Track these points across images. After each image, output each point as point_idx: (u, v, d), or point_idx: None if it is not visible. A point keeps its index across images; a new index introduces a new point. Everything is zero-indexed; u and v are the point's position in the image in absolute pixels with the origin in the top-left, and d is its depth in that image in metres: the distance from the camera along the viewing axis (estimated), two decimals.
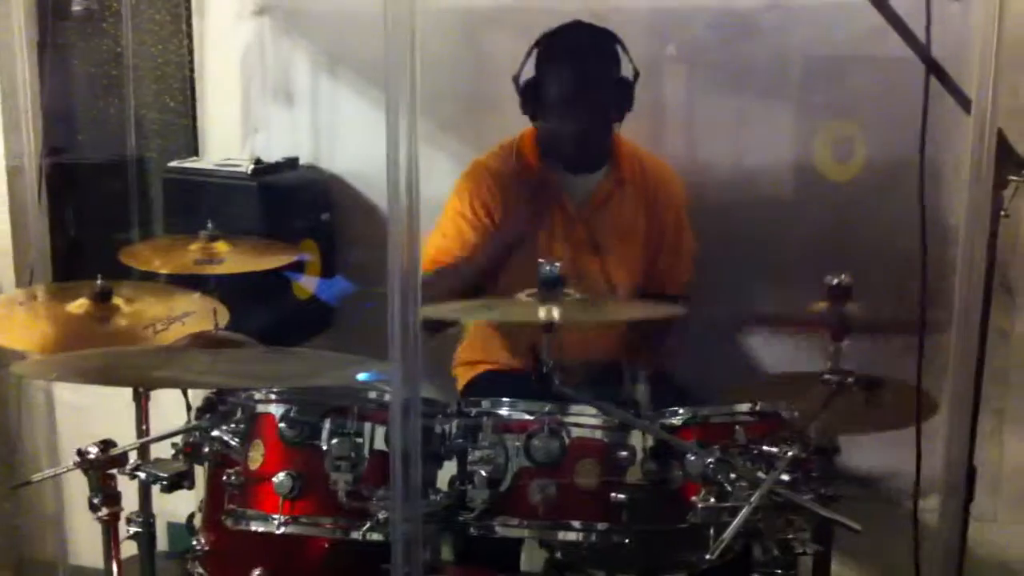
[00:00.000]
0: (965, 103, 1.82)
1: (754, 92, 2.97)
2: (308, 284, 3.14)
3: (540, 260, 2.06)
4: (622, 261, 2.78)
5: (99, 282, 2.41)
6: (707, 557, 1.82)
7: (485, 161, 2.82)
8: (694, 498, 1.93)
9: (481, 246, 2.72)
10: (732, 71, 2.97)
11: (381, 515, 1.95)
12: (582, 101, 2.65)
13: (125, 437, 2.30)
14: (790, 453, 1.88)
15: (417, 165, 1.52)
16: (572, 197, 2.77)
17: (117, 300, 2.43)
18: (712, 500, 1.89)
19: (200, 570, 2.20)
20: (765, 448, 1.93)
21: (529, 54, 2.69)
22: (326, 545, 2.13)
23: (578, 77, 2.65)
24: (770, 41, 2.92)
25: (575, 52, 2.68)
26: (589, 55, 2.67)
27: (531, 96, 2.69)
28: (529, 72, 2.70)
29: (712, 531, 1.89)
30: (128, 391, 2.48)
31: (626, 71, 2.69)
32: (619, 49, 2.67)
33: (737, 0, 2.91)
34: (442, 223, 2.77)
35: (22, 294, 2.96)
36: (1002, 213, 1.80)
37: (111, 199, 3.43)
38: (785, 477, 1.85)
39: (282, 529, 2.01)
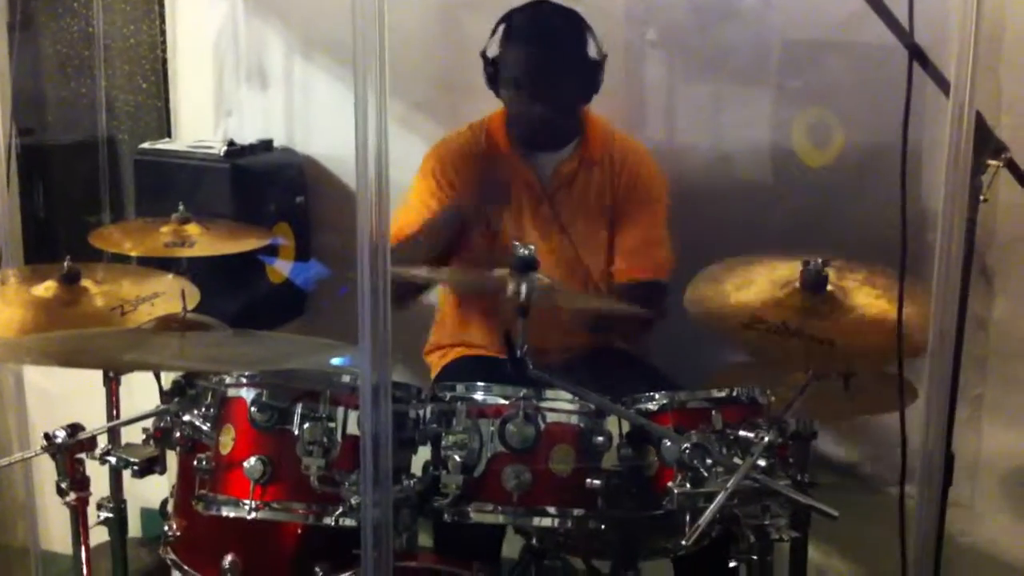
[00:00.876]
0: (946, 88, 1.81)
1: (733, 76, 2.95)
2: (282, 268, 3.11)
3: (515, 242, 2.04)
4: (590, 239, 2.76)
5: (67, 264, 2.37)
6: (683, 543, 1.80)
7: (451, 139, 2.82)
8: (670, 484, 1.92)
9: (441, 217, 2.71)
10: (711, 55, 2.95)
11: (354, 500, 1.92)
12: (542, 80, 2.63)
13: (97, 422, 2.28)
14: (766, 438, 1.87)
15: (387, 146, 1.50)
16: (539, 175, 2.75)
17: (86, 282, 2.40)
18: (688, 486, 1.88)
19: (172, 556, 2.18)
20: (741, 433, 1.92)
21: (495, 30, 2.67)
22: (298, 531, 2.11)
23: (539, 56, 2.64)
24: (749, 25, 2.90)
25: (538, 30, 2.67)
26: (552, 34, 2.66)
27: (494, 72, 2.69)
28: (496, 48, 2.68)
29: (688, 517, 1.87)
30: (100, 375, 2.46)
31: (593, 53, 2.66)
32: (585, 30, 2.65)
33: None
34: (407, 197, 2.77)
35: None
36: (981, 198, 1.79)
37: (81, 181, 3.39)
38: (762, 463, 1.83)
39: (253, 515, 1.98)
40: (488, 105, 2.77)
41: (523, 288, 1.99)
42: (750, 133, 2.95)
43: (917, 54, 1.74)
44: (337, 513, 1.95)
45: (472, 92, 2.82)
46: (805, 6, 2.84)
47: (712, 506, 1.77)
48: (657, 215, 2.80)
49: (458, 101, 3.05)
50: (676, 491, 1.89)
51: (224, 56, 3.31)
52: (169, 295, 2.38)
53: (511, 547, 2.30)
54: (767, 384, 2.08)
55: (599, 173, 2.77)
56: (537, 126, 2.69)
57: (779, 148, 2.92)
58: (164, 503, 2.30)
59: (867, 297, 2.18)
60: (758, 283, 2.25)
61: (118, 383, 2.45)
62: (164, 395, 2.21)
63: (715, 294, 2.25)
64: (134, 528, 2.57)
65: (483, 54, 2.68)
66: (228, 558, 2.09)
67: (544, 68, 2.63)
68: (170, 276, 2.55)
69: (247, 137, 3.18)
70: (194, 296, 2.30)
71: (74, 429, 2.15)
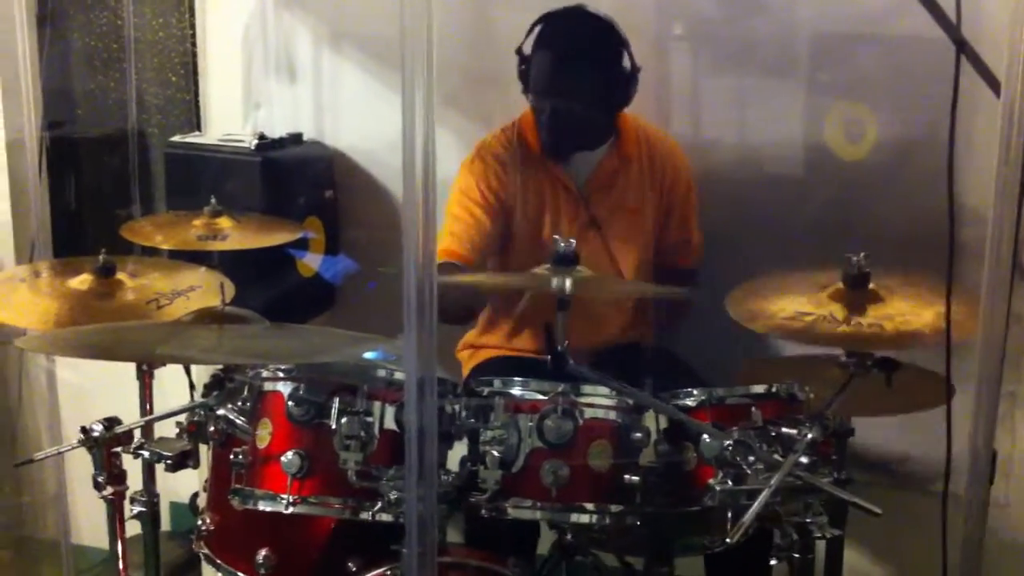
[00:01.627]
0: (991, 82, 1.79)
1: (763, 70, 2.93)
2: (311, 262, 3.11)
3: (555, 236, 2.03)
4: (627, 239, 2.76)
5: (102, 257, 2.37)
6: (727, 540, 1.79)
7: (489, 144, 2.79)
8: (711, 481, 1.90)
9: (494, 234, 2.70)
10: (740, 49, 2.93)
11: (392, 495, 1.92)
12: (569, 88, 2.62)
13: (128, 415, 2.28)
14: (809, 435, 1.85)
15: (434, 144, 1.48)
16: (574, 176, 2.74)
17: (121, 275, 2.40)
18: (729, 483, 1.86)
19: (205, 550, 2.18)
20: (783, 430, 1.90)
21: (531, 30, 2.66)
22: (331, 525, 2.11)
23: (568, 64, 2.63)
24: (778, 18, 2.88)
25: (570, 38, 2.65)
26: (584, 43, 2.64)
27: (526, 74, 2.67)
28: (530, 47, 2.67)
29: (729, 514, 1.86)
30: (131, 369, 2.46)
31: (625, 64, 2.63)
32: (618, 41, 2.62)
33: None
34: (454, 211, 2.73)
35: (24, 270, 2.91)
36: None
37: (112, 174, 3.40)
38: (804, 460, 1.82)
39: (291, 509, 1.97)
40: (518, 100, 2.76)
41: (565, 282, 1.98)
42: (781, 127, 2.93)
43: (963, 47, 1.71)
44: (375, 508, 1.94)
45: (503, 87, 2.82)
46: None
47: (756, 503, 1.75)
48: (692, 205, 2.82)
49: (488, 96, 3.05)
50: (718, 488, 1.87)
51: (253, 49, 3.31)
52: (204, 288, 2.38)
53: (543, 543, 2.30)
54: (807, 380, 2.06)
55: (637, 171, 2.77)
56: (561, 131, 2.68)
57: (811, 142, 2.90)
58: (194, 497, 2.30)
59: (907, 297, 2.17)
60: (799, 286, 2.24)
61: (151, 376, 2.45)
62: (204, 389, 2.20)
63: (756, 298, 2.24)
64: (164, 522, 2.57)
65: (519, 51, 2.66)
66: (262, 552, 2.08)
67: (572, 77, 2.62)
68: (203, 269, 2.55)
69: (277, 131, 3.18)
70: (230, 290, 2.30)
71: (111, 423, 2.14)
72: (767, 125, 2.95)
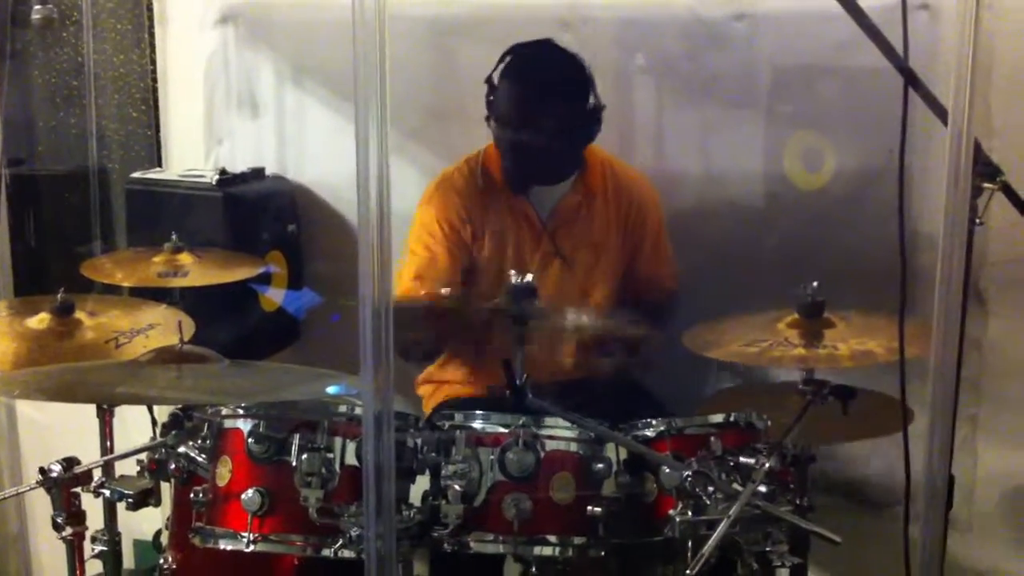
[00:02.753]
0: (940, 112, 1.82)
1: (723, 102, 2.95)
2: (275, 296, 3.09)
3: (511, 271, 2.04)
4: (593, 273, 2.76)
5: (60, 296, 2.36)
6: (687, 572, 1.79)
7: (450, 176, 2.78)
8: (671, 512, 1.91)
9: (454, 269, 2.70)
10: (701, 82, 2.95)
11: (353, 532, 1.91)
12: (534, 122, 2.61)
13: (90, 454, 2.26)
14: (767, 464, 1.86)
15: (388, 176, 1.49)
16: (538, 209, 2.74)
17: (80, 314, 2.38)
18: (689, 514, 1.87)
19: None
20: (742, 459, 1.91)
21: (501, 60, 2.66)
22: (296, 562, 2.09)
23: (535, 98, 2.62)
24: (739, 52, 2.91)
25: (537, 72, 2.66)
26: (550, 77, 2.65)
27: (493, 104, 2.67)
28: (492, 87, 2.66)
29: (690, 545, 1.87)
30: (92, 407, 2.44)
31: (592, 101, 2.63)
32: (585, 78, 2.63)
33: (706, 10, 2.89)
34: (414, 247, 2.73)
35: None
36: (977, 221, 1.79)
37: (72, 211, 3.38)
38: (763, 489, 1.83)
39: (251, 547, 1.96)
40: (481, 133, 2.76)
41: (521, 316, 1.99)
42: (741, 158, 2.95)
43: (912, 79, 1.74)
44: (336, 545, 1.93)
45: (465, 121, 2.83)
46: (794, 32, 2.85)
47: (715, 535, 1.76)
48: (663, 238, 2.84)
49: (451, 130, 3.05)
50: (678, 519, 1.88)
51: (215, 85, 3.30)
52: (164, 326, 2.37)
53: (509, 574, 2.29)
54: (764, 409, 2.08)
55: (601, 204, 2.77)
56: (526, 164, 2.68)
57: (770, 173, 2.92)
58: (157, 535, 2.28)
59: (862, 325, 2.20)
60: (755, 317, 2.26)
61: (112, 415, 2.43)
62: (162, 427, 2.19)
63: (713, 328, 2.26)
64: (127, 559, 2.54)
65: (488, 80, 2.66)
66: None
67: (538, 110, 2.61)
68: (163, 307, 2.54)
69: (239, 166, 3.17)
70: (190, 327, 2.29)
71: (69, 463, 2.13)
72: (728, 157, 2.97)
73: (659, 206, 2.84)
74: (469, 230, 2.72)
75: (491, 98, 2.67)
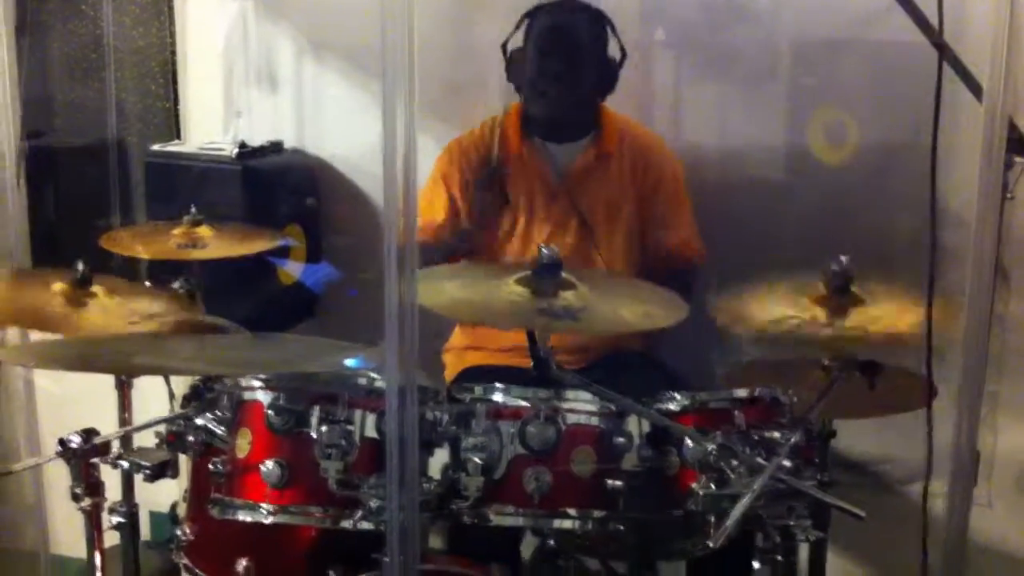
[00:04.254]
0: (972, 86, 1.79)
1: (746, 76, 2.94)
2: (293, 270, 3.09)
3: (539, 244, 2.02)
4: (609, 233, 2.76)
5: (80, 267, 2.35)
6: (709, 544, 1.78)
7: (460, 139, 2.83)
8: (694, 485, 1.90)
9: (448, 222, 2.76)
10: (723, 54, 2.94)
11: (373, 503, 1.90)
12: (563, 74, 2.66)
13: (107, 425, 2.26)
14: (792, 439, 1.85)
15: (415, 151, 1.48)
16: (554, 168, 2.76)
17: (97, 287, 2.37)
18: (713, 487, 1.86)
19: (185, 560, 2.16)
20: (766, 434, 1.90)
21: (520, 23, 2.70)
22: (312, 534, 2.09)
23: (562, 50, 2.67)
24: (762, 24, 2.89)
25: (562, 26, 2.70)
26: (576, 30, 2.69)
27: (515, 64, 2.72)
28: (517, 41, 2.71)
29: (712, 518, 1.85)
30: (111, 378, 2.43)
31: (613, 52, 2.70)
32: (607, 29, 2.69)
33: None
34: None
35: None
36: (1008, 195, 1.77)
37: (91, 184, 3.37)
38: (787, 463, 1.81)
39: (271, 519, 1.96)
40: (499, 106, 2.78)
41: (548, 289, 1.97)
42: (764, 132, 2.94)
43: (945, 52, 1.72)
44: (356, 517, 1.92)
45: (482, 93, 2.82)
46: (819, 5, 2.83)
47: (738, 507, 1.75)
48: (683, 204, 2.82)
49: (468, 102, 3.04)
50: (701, 492, 1.87)
51: (234, 58, 3.29)
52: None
53: (527, 548, 2.28)
54: (789, 384, 2.06)
55: (616, 166, 2.77)
56: (553, 117, 2.73)
57: (794, 147, 2.90)
58: (174, 507, 2.28)
59: (890, 300, 2.17)
60: (782, 291, 2.23)
61: (130, 386, 2.43)
62: (181, 399, 2.19)
63: (741, 303, 2.23)
64: (143, 531, 2.54)
65: (503, 46, 2.71)
66: (242, 562, 2.06)
67: (567, 62, 2.66)
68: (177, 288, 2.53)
69: (257, 139, 3.17)
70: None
71: (88, 434, 2.12)
72: (750, 130, 2.95)
73: (678, 171, 2.83)
74: (471, 189, 2.76)
75: (510, 57, 2.71)
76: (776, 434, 1.89)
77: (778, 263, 2.56)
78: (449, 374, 2.83)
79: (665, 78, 3.03)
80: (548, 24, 2.69)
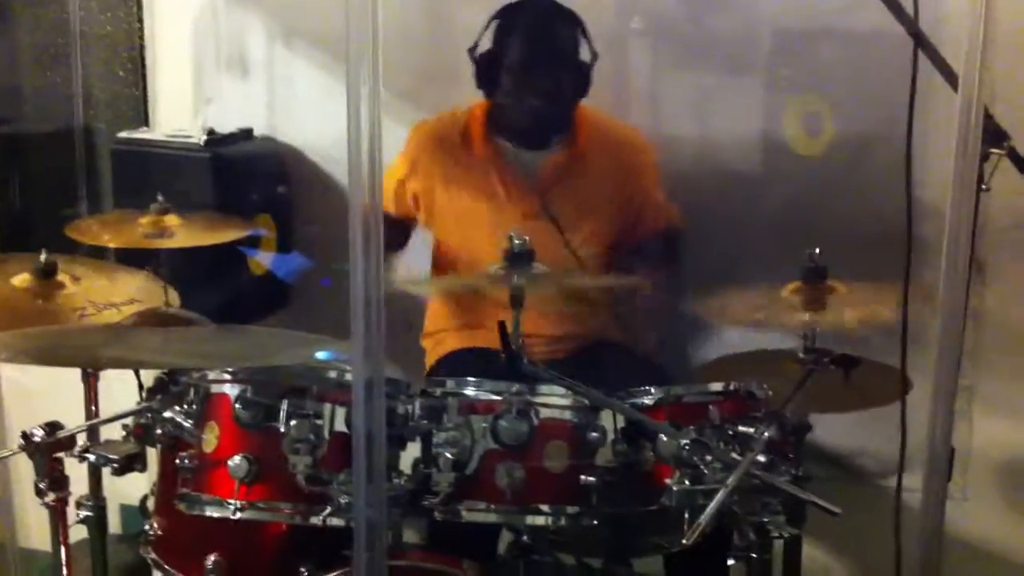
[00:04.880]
0: (948, 75, 1.77)
1: (722, 65, 2.91)
2: (264, 260, 3.05)
3: (509, 234, 1.99)
4: (588, 235, 2.72)
5: (43, 257, 2.31)
6: (683, 541, 1.76)
7: (427, 123, 2.81)
8: (668, 480, 1.87)
9: (396, 201, 2.77)
10: (700, 44, 2.91)
11: (343, 499, 1.88)
12: (537, 77, 2.60)
13: (75, 418, 2.22)
14: (767, 434, 1.83)
15: (380, 137, 1.44)
16: (527, 173, 2.71)
17: (62, 276, 2.33)
18: (687, 483, 1.83)
19: (153, 555, 2.13)
20: (741, 429, 1.88)
21: (488, 25, 2.64)
22: (283, 529, 2.06)
23: (535, 53, 2.62)
24: (739, 14, 2.86)
25: (535, 27, 2.64)
26: (548, 32, 2.64)
27: (486, 68, 2.64)
28: (486, 43, 2.65)
29: (687, 514, 1.83)
30: (76, 371, 2.39)
31: (584, 55, 2.64)
32: (580, 30, 2.63)
33: None
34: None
35: None
36: (983, 187, 1.75)
37: (58, 172, 3.33)
38: (761, 459, 1.80)
39: (238, 515, 1.92)
40: (473, 96, 2.72)
41: (518, 280, 1.94)
42: (740, 122, 2.91)
43: (921, 42, 1.70)
44: (325, 513, 1.90)
45: (458, 82, 2.78)
46: None
47: (712, 504, 1.73)
48: (658, 189, 2.81)
49: (444, 91, 2.99)
50: (675, 488, 1.85)
51: (203, 44, 3.25)
52: (146, 300, 2.31)
53: (504, 543, 2.26)
54: (764, 378, 2.04)
55: (595, 166, 2.72)
56: (528, 123, 2.67)
57: (770, 138, 2.88)
58: (144, 500, 2.25)
59: (864, 291, 2.17)
60: (758, 282, 2.22)
61: (97, 379, 2.39)
62: (147, 392, 2.15)
63: (716, 294, 2.22)
64: (114, 524, 2.51)
65: (471, 51, 2.64)
66: (211, 558, 2.03)
67: (540, 66, 2.61)
68: (144, 274, 2.49)
69: (227, 126, 3.12)
70: (174, 298, 2.24)
71: (52, 428, 2.08)
72: (727, 121, 2.92)
73: (654, 161, 2.80)
74: (425, 176, 2.75)
75: (479, 64, 2.64)
76: (750, 429, 1.87)
77: (754, 254, 2.56)
78: (430, 360, 2.80)
79: (641, 68, 3.00)
80: (523, 30, 2.62)
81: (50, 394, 2.58)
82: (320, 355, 2.01)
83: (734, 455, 1.85)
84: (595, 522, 1.93)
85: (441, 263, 2.82)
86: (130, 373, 2.27)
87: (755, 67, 2.87)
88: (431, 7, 3.03)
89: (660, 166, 2.82)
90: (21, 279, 2.31)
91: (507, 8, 2.63)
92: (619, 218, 2.77)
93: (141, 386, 2.27)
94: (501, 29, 2.63)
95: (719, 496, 1.73)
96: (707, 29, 2.88)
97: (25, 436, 2.07)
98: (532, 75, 2.60)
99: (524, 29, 2.62)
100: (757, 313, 2.09)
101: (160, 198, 2.65)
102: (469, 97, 2.74)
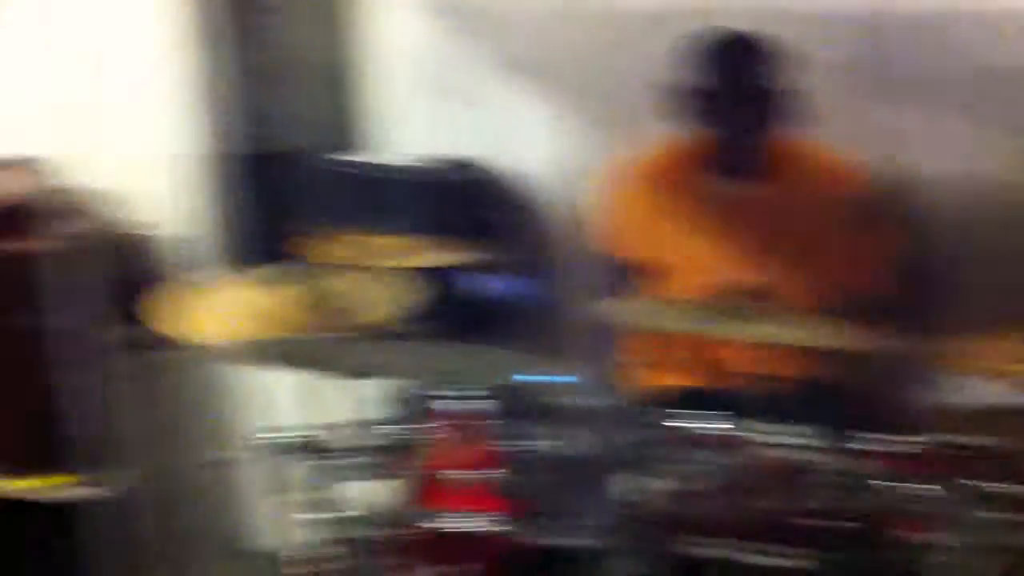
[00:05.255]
0: None
1: (957, 103, 2.83)
2: (481, 283, 3.13)
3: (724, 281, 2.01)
4: (789, 267, 2.68)
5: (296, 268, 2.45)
6: None
7: (634, 160, 2.81)
8: (899, 532, 1.85)
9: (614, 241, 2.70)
10: (930, 79, 2.83)
11: (566, 524, 1.91)
12: (744, 110, 2.62)
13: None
14: None
15: (592, 164, 1.47)
16: (733, 206, 2.71)
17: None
18: (937, 536, 1.81)
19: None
20: (991, 487, 1.83)
21: (685, 59, 2.65)
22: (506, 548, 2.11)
23: (742, 86, 2.63)
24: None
25: (740, 60, 2.64)
26: (754, 64, 2.64)
27: (686, 103, 2.65)
28: (681, 73, 2.66)
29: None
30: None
31: (787, 82, 2.63)
32: (781, 62, 2.63)
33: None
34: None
35: (211, 280, 2.98)
36: None
37: (277, 192, 3.44)
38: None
39: (464, 527, 2.01)
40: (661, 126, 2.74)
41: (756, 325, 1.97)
42: (980, 163, 2.82)
43: None
44: (550, 535, 1.94)
45: (647, 110, 2.77)
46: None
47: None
48: (868, 219, 2.75)
49: (634, 118, 2.94)
50: (924, 542, 1.82)
51: (418, 69, 3.33)
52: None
53: None
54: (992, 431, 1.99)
55: (801, 197, 2.72)
56: (734, 156, 2.69)
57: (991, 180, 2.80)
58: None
59: None
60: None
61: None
62: (395, 404, 2.25)
63: (966, 342, 2.17)
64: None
65: (667, 85, 2.65)
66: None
67: (748, 98, 2.62)
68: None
69: (445, 152, 3.22)
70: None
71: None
72: (966, 161, 2.83)
73: (860, 193, 2.74)
74: (650, 220, 2.73)
75: (678, 101, 2.65)
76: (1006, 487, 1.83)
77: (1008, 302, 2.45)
78: (644, 390, 2.80)
79: (845, 102, 2.89)
80: (720, 56, 2.63)
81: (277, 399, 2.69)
82: (547, 378, 2.07)
83: (984, 514, 1.82)
84: (818, 565, 1.90)
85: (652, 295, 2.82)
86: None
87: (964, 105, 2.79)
88: (616, 34, 2.99)
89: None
90: (283, 290, 2.44)
91: (707, 40, 2.64)
92: (829, 248, 2.73)
93: (379, 399, 2.36)
94: (702, 62, 2.64)
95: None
96: (938, 64, 2.82)
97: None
98: (736, 111, 2.62)
99: (725, 62, 2.63)
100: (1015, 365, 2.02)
101: (382, 220, 2.77)
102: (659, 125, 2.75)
